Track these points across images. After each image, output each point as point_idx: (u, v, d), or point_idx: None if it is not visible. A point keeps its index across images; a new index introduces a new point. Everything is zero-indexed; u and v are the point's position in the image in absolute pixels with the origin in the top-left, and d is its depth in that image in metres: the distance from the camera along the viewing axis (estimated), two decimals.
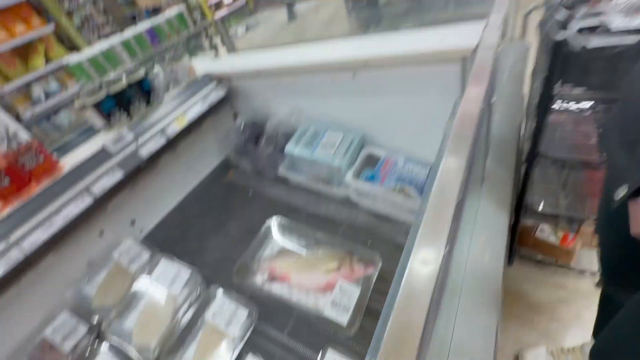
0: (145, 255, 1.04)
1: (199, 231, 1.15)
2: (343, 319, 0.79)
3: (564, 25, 0.79)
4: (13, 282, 0.88)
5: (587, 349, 0.95)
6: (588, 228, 1.19)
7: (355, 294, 0.83)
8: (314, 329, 0.82)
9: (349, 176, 1.09)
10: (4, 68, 2.33)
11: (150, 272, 0.98)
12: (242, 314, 0.85)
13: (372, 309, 0.83)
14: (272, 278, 0.94)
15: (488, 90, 0.58)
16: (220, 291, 0.92)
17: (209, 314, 0.87)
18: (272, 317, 0.87)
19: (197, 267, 0.98)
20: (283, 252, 0.98)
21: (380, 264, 0.89)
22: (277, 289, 0.92)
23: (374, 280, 0.87)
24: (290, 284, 0.91)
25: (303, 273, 0.90)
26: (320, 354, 0.76)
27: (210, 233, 1.14)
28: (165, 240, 1.13)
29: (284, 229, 1.07)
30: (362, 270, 0.88)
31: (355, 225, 1.07)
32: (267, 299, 0.90)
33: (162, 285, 0.94)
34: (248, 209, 1.19)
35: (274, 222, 1.07)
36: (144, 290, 0.98)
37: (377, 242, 1.01)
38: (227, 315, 0.85)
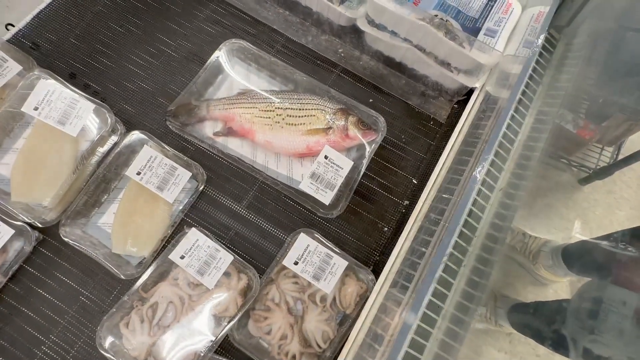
0: (14, 67, 0.62)
1: (108, 42, 0.73)
2: (324, 197, 0.60)
3: None
4: None
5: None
6: None
7: (345, 168, 0.62)
8: (282, 205, 0.65)
9: None
10: None
11: (25, 95, 0.60)
12: (183, 175, 0.60)
13: (363, 190, 0.66)
14: (229, 131, 0.67)
15: None
16: (147, 140, 0.62)
17: (132, 170, 0.58)
18: (225, 184, 0.65)
19: (107, 102, 0.65)
20: (246, 94, 0.67)
21: (383, 131, 0.65)
22: (235, 147, 0.67)
23: (371, 152, 0.64)
24: (255, 141, 0.66)
25: (274, 129, 0.64)
26: (290, 237, 0.60)
27: (128, 47, 0.73)
28: (52, 51, 0.71)
29: (248, 60, 0.72)
30: (358, 136, 0.64)
31: (359, 69, 0.75)
32: (219, 158, 0.65)
33: (49, 117, 0.58)
34: (192, 17, 0.75)
35: (232, 49, 0.70)
36: (20, 119, 0.62)
37: (383, 101, 0.74)
38: (161, 174, 0.59)
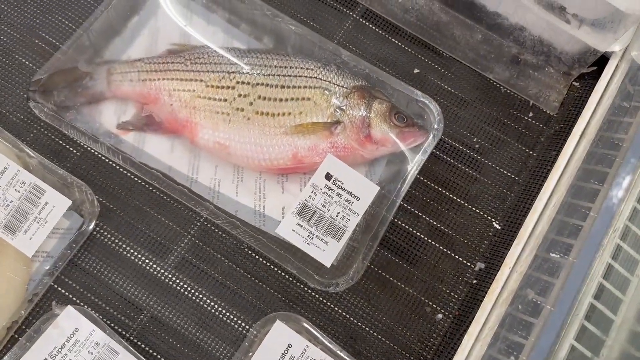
0: None
1: None
2: (323, 253, 0.59)
3: None
4: None
5: None
6: None
7: (364, 197, 0.60)
8: (243, 266, 0.63)
9: None
10: None
11: None
12: (56, 204, 0.58)
13: (397, 240, 0.66)
14: (147, 122, 0.66)
15: None
16: None
17: None
18: (136, 224, 0.63)
19: None
20: (183, 55, 0.66)
21: (437, 130, 0.64)
22: (159, 152, 0.66)
23: (415, 169, 0.62)
24: (197, 143, 0.65)
25: (235, 122, 0.63)
26: (255, 328, 0.57)
27: None
28: None
29: None
30: (391, 138, 0.63)
31: (395, 13, 0.73)
32: (125, 173, 0.63)
33: None
34: None
35: None
36: None
37: (439, 73, 0.73)
38: (13, 202, 0.58)
